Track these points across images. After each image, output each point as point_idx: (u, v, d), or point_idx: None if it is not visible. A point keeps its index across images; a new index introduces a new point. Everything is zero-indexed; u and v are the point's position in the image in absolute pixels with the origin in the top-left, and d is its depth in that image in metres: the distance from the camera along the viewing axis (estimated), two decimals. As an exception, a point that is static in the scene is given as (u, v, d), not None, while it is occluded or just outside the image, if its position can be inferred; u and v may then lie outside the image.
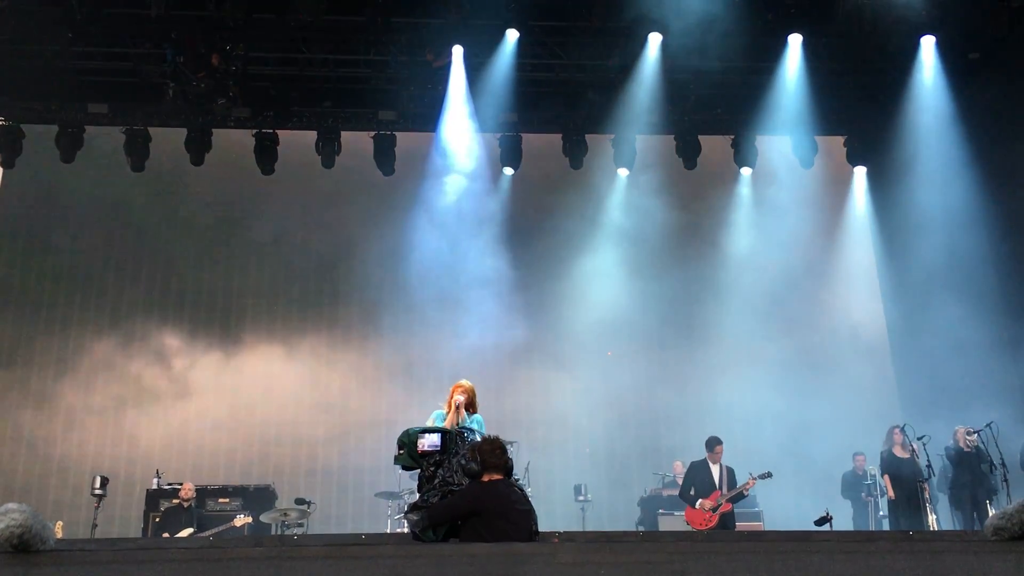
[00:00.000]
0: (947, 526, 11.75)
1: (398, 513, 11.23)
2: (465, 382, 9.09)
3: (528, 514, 5.28)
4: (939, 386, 13.07)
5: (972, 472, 11.16)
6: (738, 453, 12.73)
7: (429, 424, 9.00)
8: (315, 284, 15.29)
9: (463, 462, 5.48)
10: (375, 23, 12.54)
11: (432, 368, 14.34)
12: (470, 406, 8.95)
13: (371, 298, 15.18)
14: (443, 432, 5.61)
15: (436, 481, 5.57)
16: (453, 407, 8.81)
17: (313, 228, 15.44)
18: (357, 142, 14.29)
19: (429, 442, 5.64)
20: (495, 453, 5.35)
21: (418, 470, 5.62)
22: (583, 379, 14.46)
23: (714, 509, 10.05)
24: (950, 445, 11.47)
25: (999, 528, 2.77)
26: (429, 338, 14.79)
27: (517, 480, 5.62)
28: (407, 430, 5.77)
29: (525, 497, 5.41)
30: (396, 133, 14.21)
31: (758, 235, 15.00)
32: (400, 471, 11.45)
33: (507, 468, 5.39)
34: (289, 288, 15.24)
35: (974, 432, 11.06)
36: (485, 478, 5.31)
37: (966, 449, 11.23)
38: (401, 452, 5.82)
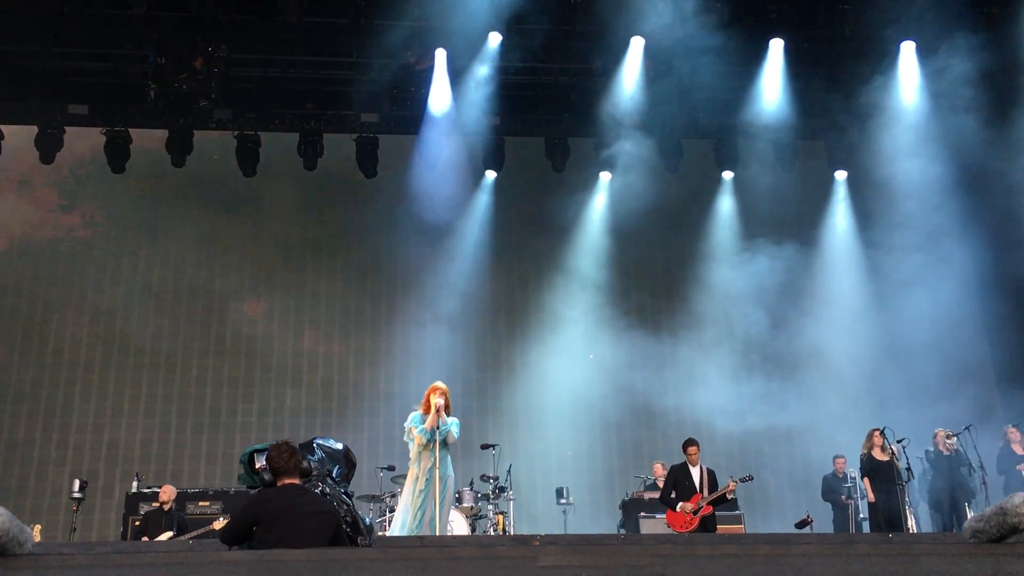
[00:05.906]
0: (926, 529, 11.83)
1: (379, 516, 11.19)
2: (441, 384, 9.04)
3: (324, 517, 5.06)
4: (919, 388, 13.19)
5: (951, 475, 11.26)
6: (719, 455, 12.78)
7: (406, 426, 8.97)
8: (295, 283, 15.22)
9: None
10: (358, 25, 12.51)
11: (413, 370, 14.34)
12: (446, 408, 8.91)
13: (352, 298, 15.15)
14: None
15: None
16: (433, 409, 8.77)
17: (292, 226, 15.41)
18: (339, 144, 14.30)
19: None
20: (282, 457, 5.17)
21: (260, 488, 5.47)
22: (564, 383, 14.45)
23: (695, 512, 10.05)
24: (930, 448, 11.58)
25: (977, 531, 2.79)
26: (409, 339, 14.79)
27: (319, 485, 5.41)
28: (247, 448, 5.66)
29: (326, 500, 5.21)
30: (378, 136, 14.20)
31: (740, 238, 15.06)
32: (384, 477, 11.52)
33: (301, 470, 5.21)
34: (271, 288, 15.15)
35: (954, 435, 11.16)
36: (279, 484, 5.16)
37: (945, 452, 11.34)
38: (241, 473, 5.71)
